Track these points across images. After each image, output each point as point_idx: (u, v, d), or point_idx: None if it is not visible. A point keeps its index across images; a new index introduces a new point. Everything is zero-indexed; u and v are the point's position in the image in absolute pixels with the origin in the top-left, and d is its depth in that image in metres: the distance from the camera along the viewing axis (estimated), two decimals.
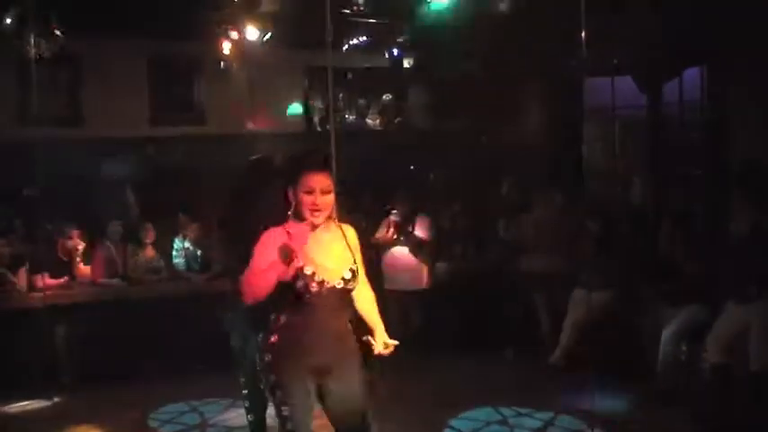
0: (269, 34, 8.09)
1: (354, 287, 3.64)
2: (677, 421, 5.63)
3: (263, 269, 3.40)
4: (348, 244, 3.68)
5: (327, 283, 3.52)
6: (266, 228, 3.58)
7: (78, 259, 7.37)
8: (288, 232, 3.48)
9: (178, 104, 9.53)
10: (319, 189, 3.52)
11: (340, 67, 10.13)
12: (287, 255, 3.38)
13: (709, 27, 6.59)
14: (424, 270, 7.39)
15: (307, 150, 3.75)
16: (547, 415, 5.87)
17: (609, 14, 6.37)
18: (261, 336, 3.64)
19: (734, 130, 6.86)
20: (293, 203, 3.56)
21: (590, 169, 8.32)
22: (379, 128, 10.90)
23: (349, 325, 3.70)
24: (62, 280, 7.23)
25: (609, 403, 5.88)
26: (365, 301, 3.81)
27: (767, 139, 6.20)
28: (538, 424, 5.74)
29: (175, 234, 7.69)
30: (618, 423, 5.64)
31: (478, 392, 6.36)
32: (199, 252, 7.57)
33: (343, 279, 3.58)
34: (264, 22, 7.88)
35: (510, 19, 7.32)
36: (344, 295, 3.63)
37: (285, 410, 3.52)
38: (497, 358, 7.27)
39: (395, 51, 10.00)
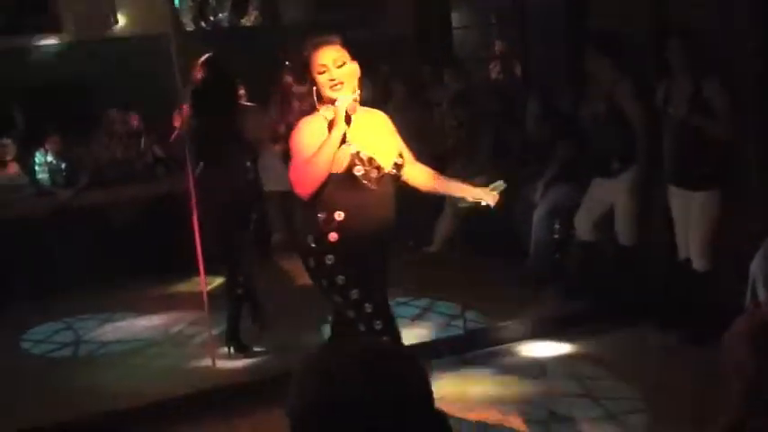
0: None
1: (403, 173, 3.49)
2: (550, 299, 5.77)
3: (317, 151, 3.23)
4: (387, 128, 3.53)
5: (383, 169, 3.36)
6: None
7: None
8: (325, 117, 3.33)
9: (28, 10, 8.87)
10: (332, 63, 3.32)
11: None
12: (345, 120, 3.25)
13: None
14: None
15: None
16: (424, 302, 5.95)
17: None
18: (310, 238, 3.39)
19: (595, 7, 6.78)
20: (318, 93, 3.37)
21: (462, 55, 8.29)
22: (251, 24, 10.51)
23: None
24: None
25: (484, 286, 5.95)
26: (426, 175, 3.65)
27: (629, 12, 6.12)
28: (416, 311, 5.82)
29: (37, 148, 7.31)
30: (494, 304, 5.73)
31: None
32: (63, 165, 7.22)
33: (395, 164, 3.43)
34: None
35: None
36: (395, 183, 3.47)
37: (368, 307, 3.39)
38: None
39: None
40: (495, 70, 7.91)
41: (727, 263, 4.86)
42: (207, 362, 5.09)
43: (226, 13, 10.47)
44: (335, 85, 3.32)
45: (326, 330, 5.53)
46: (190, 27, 9.88)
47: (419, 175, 3.64)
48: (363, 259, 3.38)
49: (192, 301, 5.95)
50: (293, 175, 3.29)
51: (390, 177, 3.43)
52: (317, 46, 3.37)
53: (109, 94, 7.97)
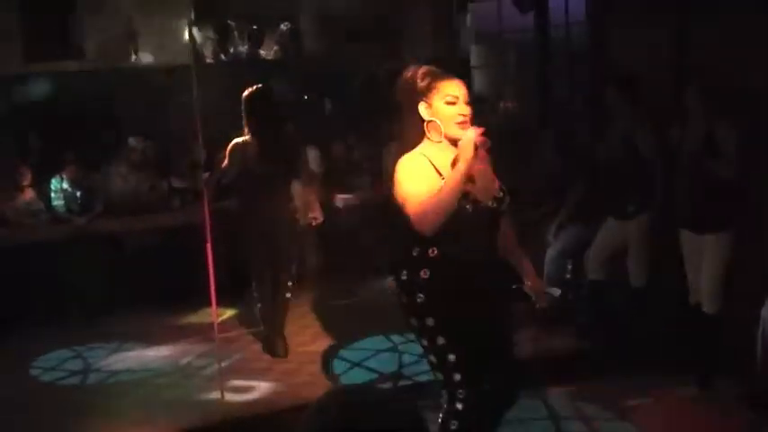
0: None
1: (505, 209, 3.29)
2: (560, 340, 5.74)
3: (445, 189, 3.00)
4: (487, 164, 3.29)
5: (481, 203, 3.16)
6: None
7: None
8: (424, 155, 3.15)
9: (53, 38, 8.97)
10: (462, 97, 3.17)
11: None
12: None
13: None
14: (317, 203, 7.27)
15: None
16: None
17: None
18: (403, 274, 3.22)
19: (614, 50, 6.84)
20: (424, 123, 3.18)
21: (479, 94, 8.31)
22: (271, 57, 10.58)
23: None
24: None
25: None
26: (506, 234, 3.41)
27: (646, 59, 6.17)
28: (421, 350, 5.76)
29: (53, 175, 7.36)
30: None
31: (373, 321, 6.17)
32: (78, 193, 7.27)
33: (495, 198, 3.23)
34: None
35: None
36: (495, 219, 3.26)
37: (451, 358, 3.16)
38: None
39: None
40: (511, 109, 7.94)
41: (738, 307, 4.83)
42: (216, 394, 5.07)
43: (246, 46, 10.55)
44: (464, 122, 3.15)
45: (338, 365, 5.57)
46: (210, 59, 9.98)
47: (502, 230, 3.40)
48: (456, 303, 3.17)
49: (202, 332, 5.98)
50: (416, 213, 3.04)
51: (489, 213, 3.23)
52: (443, 76, 3.19)
53: (126, 124, 8.05)
